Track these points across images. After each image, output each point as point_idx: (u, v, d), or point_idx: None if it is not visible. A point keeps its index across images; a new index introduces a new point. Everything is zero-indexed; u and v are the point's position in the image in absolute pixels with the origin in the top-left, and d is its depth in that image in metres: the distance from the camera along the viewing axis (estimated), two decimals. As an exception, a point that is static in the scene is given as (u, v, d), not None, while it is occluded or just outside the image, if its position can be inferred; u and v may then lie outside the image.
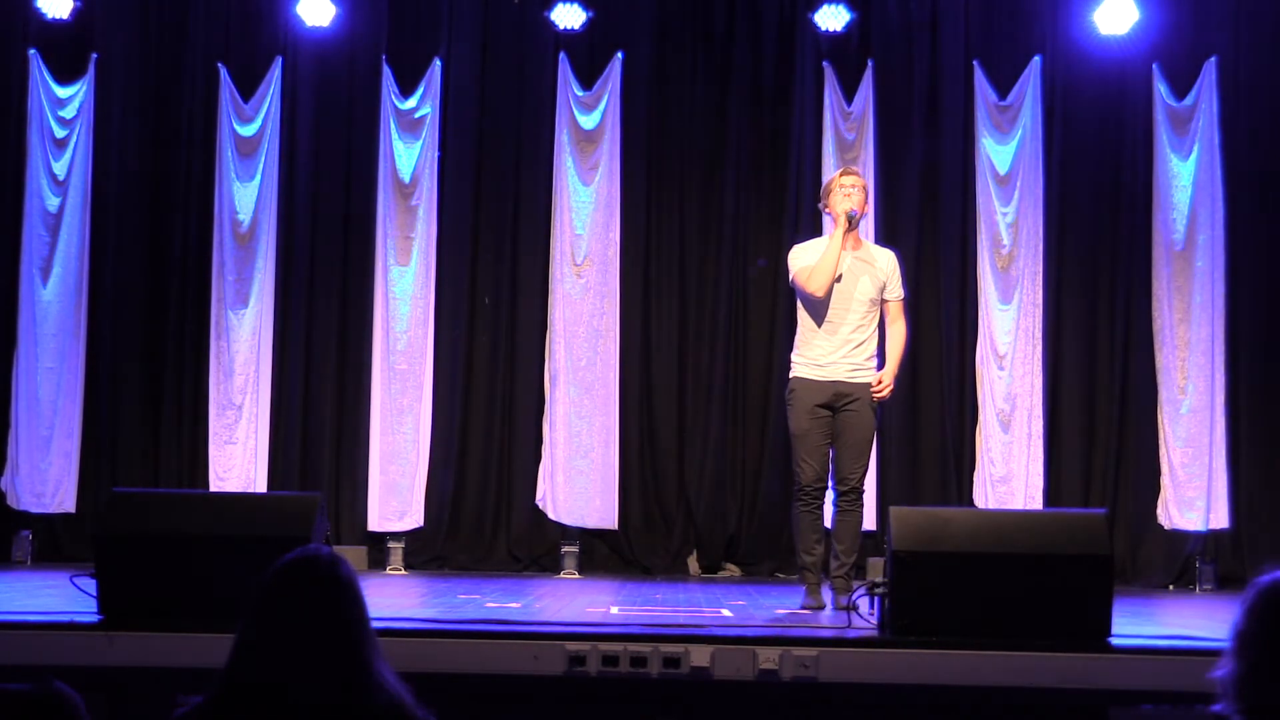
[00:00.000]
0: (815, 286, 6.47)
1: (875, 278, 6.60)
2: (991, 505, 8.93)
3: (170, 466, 9.34)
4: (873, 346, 6.63)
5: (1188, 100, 9.18)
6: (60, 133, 9.38)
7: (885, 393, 6.55)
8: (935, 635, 5.15)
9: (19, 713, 2.34)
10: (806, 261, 6.57)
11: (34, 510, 9.17)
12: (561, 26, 9.27)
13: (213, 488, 9.05)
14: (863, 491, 6.60)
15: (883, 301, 6.64)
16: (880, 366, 6.65)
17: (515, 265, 9.48)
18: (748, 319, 9.40)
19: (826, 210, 6.74)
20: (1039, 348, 9.16)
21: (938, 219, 9.38)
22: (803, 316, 6.64)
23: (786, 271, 6.81)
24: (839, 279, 6.51)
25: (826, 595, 6.53)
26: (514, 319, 9.45)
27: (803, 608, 6.45)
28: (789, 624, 5.80)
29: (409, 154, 9.41)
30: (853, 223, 6.50)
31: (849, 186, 6.56)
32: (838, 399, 6.50)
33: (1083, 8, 9.20)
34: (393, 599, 7.10)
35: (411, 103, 9.42)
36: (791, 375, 6.63)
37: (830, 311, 6.53)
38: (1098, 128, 9.36)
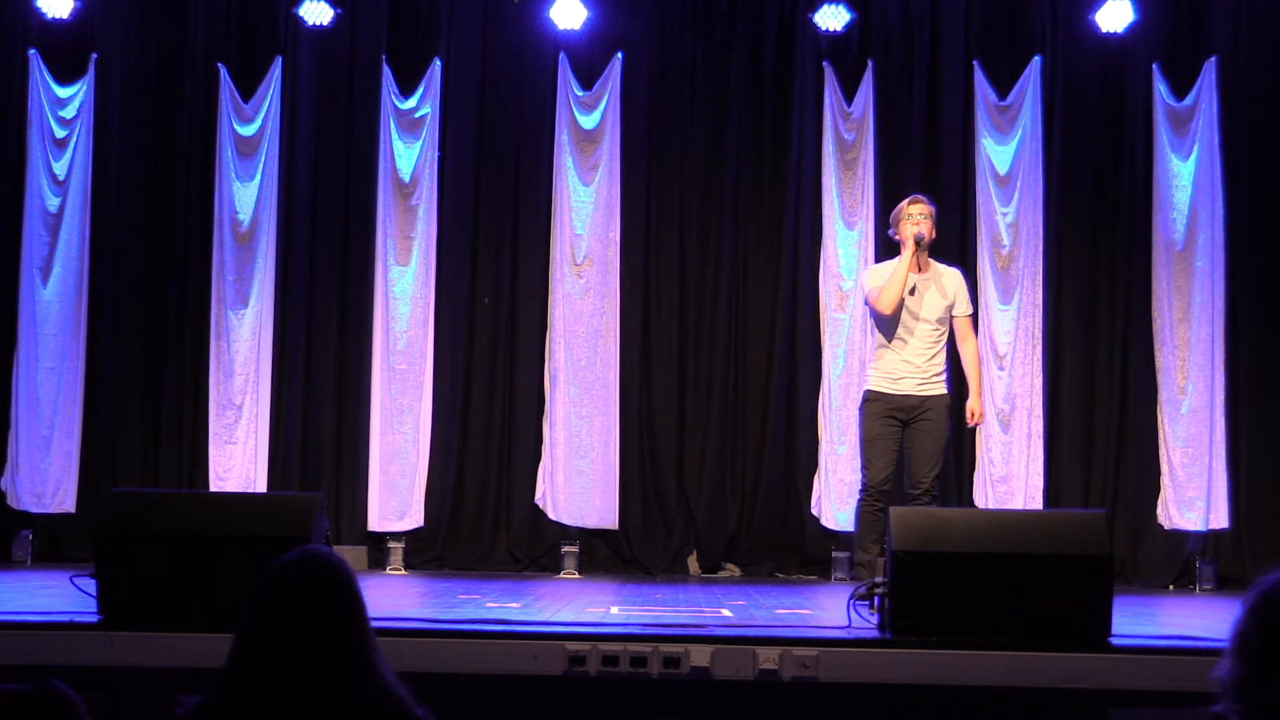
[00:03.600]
0: (884, 305, 6.97)
1: (943, 296, 7.05)
2: (991, 505, 8.93)
3: (170, 466, 9.33)
4: (941, 361, 7.07)
5: (1188, 100, 9.18)
6: (60, 133, 9.38)
7: (979, 420, 7.10)
8: (935, 635, 5.15)
9: (19, 713, 2.34)
10: (878, 282, 7.06)
11: (34, 510, 9.17)
12: (561, 26, 9.27)
13: (213, 488, 9.05)
14: (935, 492, 6.96)
15: (951, 318, 7.08)
16: (949, 378, 7.07)
17: (515, 265, 9.47)
18: (748, 319, 9.40)
19: (897, 237, 7.17)
20: (1039, 348, 9.16)
21: (938, 219, 9.35)
22: (875, 333, 7.14)
23: (859, 290, 7.47)
24: (911, 294, 6.98)
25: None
26: (514, 319, 9.45)
27: (853, 598, 6.66)
28: (789, 624, 5.80)
29: (409, 154, 9.41)
30: (920, 245, 6.99)
31: (918, 215, 7.05)
32: (909, 411, 6.96)
33: (1083, 8, 9.20)
34: (393, 599, 7.10)
35: (411, 103, 9.42)
36: (867, 387, 7.16)
37: (900, 329, 6.99)
38: (1098, 128, 9.36)
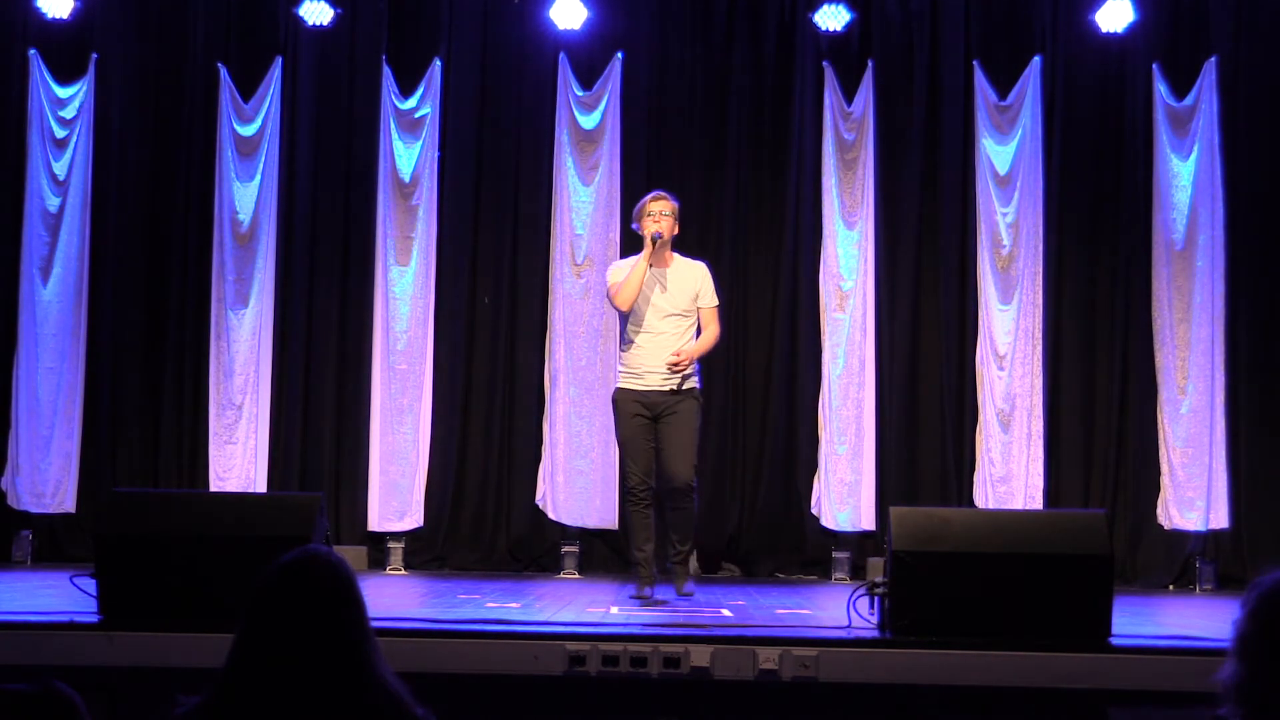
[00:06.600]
0: (620, 302, 6.91)
1: (686, 290, 6.94)
2: (991, 505, 8.93)
3: (170, 466, 9.34)
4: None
5: (1188, 100, 9.18)
6: (60, 133, 9.38)
7: (676, 359, 6.81)
8: (935, 635, 5.16)
9: (19, 713, 2.34)
10: (618, 278, 6.96)
11: (34, 510, 9.17)
12: (561, 26, 9.27)
13: (213, 488, 9.05)
14: (693, 489, 6.84)
15: (698, 310, 6.97)
16: (699, 372, 6.97)
17: (515, 265, 9.47)
18: (748, 319, 9.40)
19: (640, 231, 7.02)
20: (1039, 348, 9.16)
21: (938, 219, 9.37)
22: (624, 328, 7.02)
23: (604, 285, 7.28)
24: (655, 292, 6.87)
25: (664, 589, 6.96)
26: (514, 319, 9.45)
27: (631, 597, 6.86)
28: (789, 624, 5.80)
29: (409, 154, 9.41)
30: (656, 244, 6.87)
31: (658, 213, 6.94)
32: (656, 407, 6.85)
33: (1083, 8, 9.20)
34: (393, 599, 7.11)
35: (411, 103, 9.42)
36: (616, 386, 7.01)
37: (645, 324, 6.89)
38: (1098, 128, 9.36)
